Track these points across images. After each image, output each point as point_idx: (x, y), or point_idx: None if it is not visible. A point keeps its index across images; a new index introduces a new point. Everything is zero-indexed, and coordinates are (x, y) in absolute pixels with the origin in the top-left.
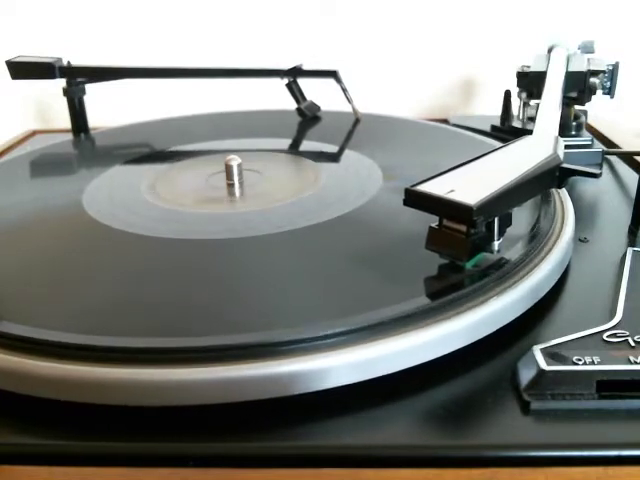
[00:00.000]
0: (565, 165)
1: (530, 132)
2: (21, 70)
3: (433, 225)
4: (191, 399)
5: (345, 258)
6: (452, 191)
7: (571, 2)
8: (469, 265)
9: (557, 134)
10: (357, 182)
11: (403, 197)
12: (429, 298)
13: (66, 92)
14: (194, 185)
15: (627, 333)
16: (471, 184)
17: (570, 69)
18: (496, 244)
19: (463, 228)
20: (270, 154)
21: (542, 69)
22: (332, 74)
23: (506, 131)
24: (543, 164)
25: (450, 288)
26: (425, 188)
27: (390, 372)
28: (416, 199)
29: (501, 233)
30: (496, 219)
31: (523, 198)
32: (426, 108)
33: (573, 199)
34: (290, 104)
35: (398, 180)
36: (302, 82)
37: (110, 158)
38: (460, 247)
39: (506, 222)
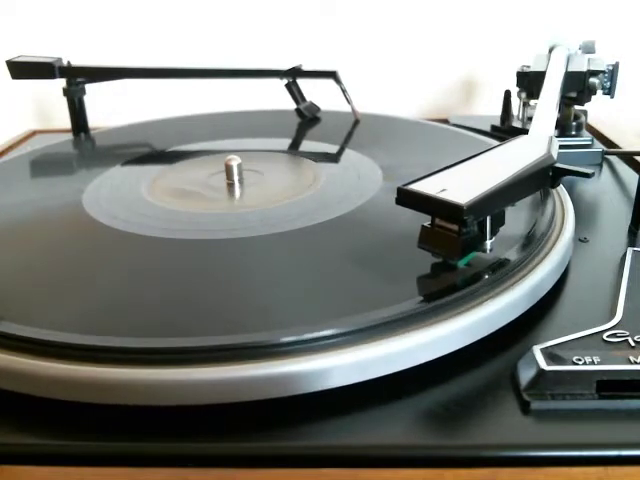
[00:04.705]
0: (558, 165)
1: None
2: (21, 70)
3: (425, 224)
4: (191, 399)
5: (345, 258)
6: (444, 190)
7: (572, 2)
8: (461, 264)
9: (553, 134)
10: (357, 182)
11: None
12: (429, 298)
13: (66, 92)
14: (194, 185)
15: (627, 333)
16: (463, 183)
17: (570, 69)
18: (488, 243)
19: (455, 227)
20: (270, 154)
21: (542, 69)
22: (331, 74)
23: (506, 131)
24: (536, 164)
25: (450, 288)
26: (417, 187)
27: (390, 372)
28: (408, 198)
29: (493, 232)
30: (488, 218)
31: (516, 197)
32: (426, 108)
33: (573, 199)
34: (290, 104)
35: (398, 180)
36: (302, 82)
37: (110, 158)
38: (452, 246)
39: (499, 221)
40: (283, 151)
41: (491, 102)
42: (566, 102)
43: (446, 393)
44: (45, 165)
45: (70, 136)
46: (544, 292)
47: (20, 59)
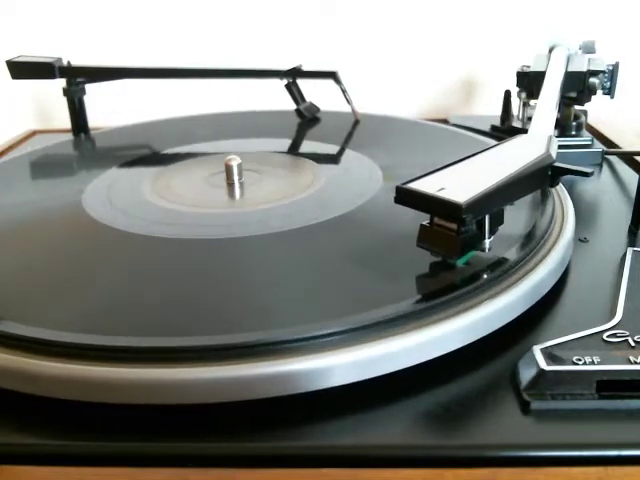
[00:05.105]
0: (557, 164)
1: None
2: (21, 70)
3: (424, 223)
4: (191, 399)
5: (345, 258)
6: (442, 189)
7: (572, 2)
8: (460, 263)
9: (552, 134)
10: (357, 182)
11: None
12: (429, 297)
13: (66, 92)
14: (194, 185)
15: (627, 333)
16: (462, 182)
17: (570, 69)
18: (487, 242)
19: (454, 226)
20: (270, 154)
21: (542, 69)
22: (331, 75)
23: (506, 131)
24: (535, 163)
25: (450, 287)
26: (416, 186)
27: (390, 371)
28: (407, 197)
29: (492, 231)
30: (487, 217)
31: (514, 197)
32: (426, 108)
33: (573, 199)
34: (290, 104)
35: (398, 180)
36: (302, 82)
37: (110, 158)
38: (451, 245)
39: (497, 220)
40: (283, 151)
41: (491, 102)
42: (566, 102)
43: (446, 393)
44: (45, 165)
45: (70, 136)
46: (544, 292)
47: (20, 59)
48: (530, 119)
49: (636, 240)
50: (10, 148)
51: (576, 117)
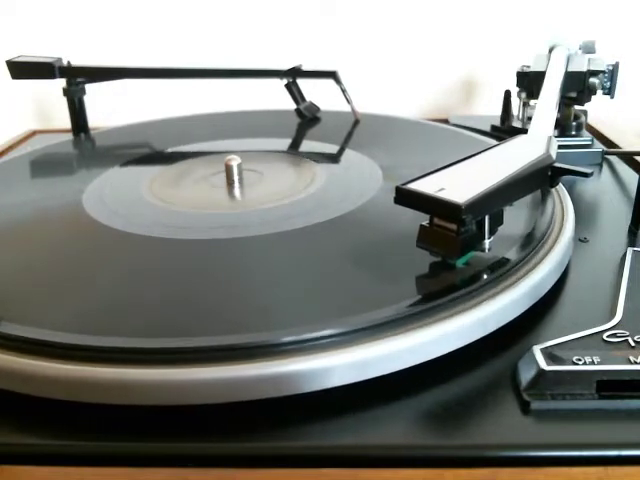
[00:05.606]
0: (557, 164)
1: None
2: (21, 70)
3: (424, 223)
4: (191, 399)
5: (345, 258)
6: (442, 189)
7: (572, 2)
8: (460, 263)
9: (552, 134)
10: (357, 182)
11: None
12: (429, 298)
13: (66, 92)
14: (194, 185)
15: (627, 333)
16: (461, 182)
17: (570, 69)
18: (487, 242)
19: (453, 226)
20: (270, 154)
21: (542, 69)
22: (331, 75)
23: (506, 131)
24: (534, 163)
25: (450, 288)
26: (415, 186)
27: (390, 372)
28: (407, 197)
29: (492, 232)
30: (486, 218)
31: (514, 197)
32: (426, 108)
33: (573, 199)
34: (290, 104)
35: (398, 180)
36: (302, 82)
37: (110, 158)
38: (450, 245)
39: (497, 221)
40: (283, 151)
41: (491, 102)
42: (566, 102)
43: (446, 393)
44: (45, 165)
45: (70, 136)
46: (544, 292)
47: (20, 59)
48: (530, 119)
49: (636, 240)
50: (10, 148)
51: (576, 117)
